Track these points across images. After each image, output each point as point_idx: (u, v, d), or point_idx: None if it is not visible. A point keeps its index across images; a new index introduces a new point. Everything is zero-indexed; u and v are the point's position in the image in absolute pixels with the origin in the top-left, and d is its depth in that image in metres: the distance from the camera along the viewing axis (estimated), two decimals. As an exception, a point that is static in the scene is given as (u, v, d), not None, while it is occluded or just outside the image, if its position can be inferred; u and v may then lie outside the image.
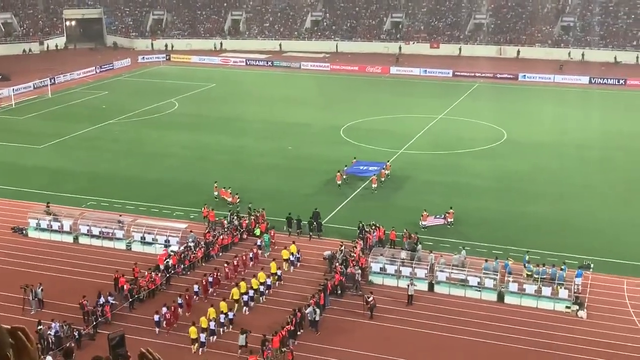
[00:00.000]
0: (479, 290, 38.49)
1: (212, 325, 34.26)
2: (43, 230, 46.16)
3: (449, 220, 46.89)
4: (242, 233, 45.05)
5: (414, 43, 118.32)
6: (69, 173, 58.33)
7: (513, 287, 38.15)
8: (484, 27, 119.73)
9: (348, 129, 71.01)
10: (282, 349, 32.40)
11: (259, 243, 43.32)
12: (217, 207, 48.40)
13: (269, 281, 38.66)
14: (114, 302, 36.51)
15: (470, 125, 73.13)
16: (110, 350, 6.55)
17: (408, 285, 37.89)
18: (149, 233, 44.55)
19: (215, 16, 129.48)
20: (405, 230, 43.93)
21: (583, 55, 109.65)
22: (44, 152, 64.10)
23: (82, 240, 45.32)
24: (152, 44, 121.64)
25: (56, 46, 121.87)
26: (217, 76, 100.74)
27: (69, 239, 45.49)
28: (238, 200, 50.11)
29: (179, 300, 36.50)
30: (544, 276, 38.55)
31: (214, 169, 58.31)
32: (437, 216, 47.07)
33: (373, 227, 44.23)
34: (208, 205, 47.77)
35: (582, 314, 36.36)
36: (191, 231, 44.24)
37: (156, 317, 34.86)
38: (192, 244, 42.46)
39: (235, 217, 46.02)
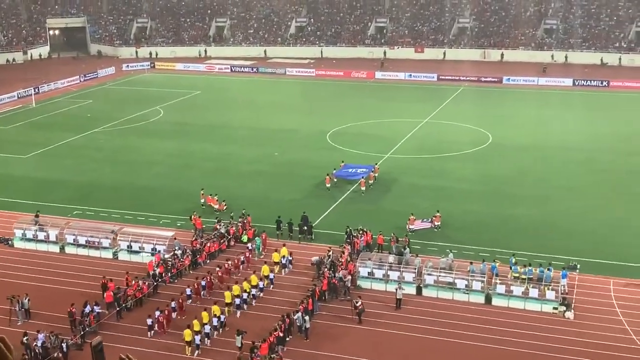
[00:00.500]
0: (467, 293, 38.60)
1: (207, 328, 34.50)
2: (29, 240, 45.89)
3: (436, 223, 47.02)
4: (229, 240, 44.98)
5: (398, 48, 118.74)
6: (55, 182, 58.04)
7: (500, 289, 38.29)
8: (468, 31, 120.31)
9: (334, 134, 71.09)
10: (271, 356, 32.35)
11: (250, 247, 43.50)
12: (204, 215, 48.32)
13: (261, 284, 38.96)
14: (100, 311, 36.31)
15: (455, 128, 73.42)
16: (94, 357, 6.58)
17: (396, 289, 37.94)
18: (135, 241, 44.35)
19: (200, 23, 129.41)
20: (392, 234, 44.01)
21: (566, 57, 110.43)
22: (29, 162, 63.75)
23: (69, 249, 45.08)
24: (136, 52, 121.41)
25: (40, 55, 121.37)
26: (202, 83, 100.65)
27: (55, 248, 45.24)
28: (225, 207, 50.05)
29: (173, 304, 36.70)
30: (531, 276, 38.75)
31: (200, 176, 58.19)
32: (424, 220, 47.19)
33: (360, 232, 44.28)
34: (197, 213, 47.70)
35: (570, 314, 36.53)
36: (175, 238, 44.14)
37: (149, 321, 35.09)
38: (179, 252, 42.32)
39: (223, 225, 45.88)
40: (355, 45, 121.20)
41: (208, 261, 42.73)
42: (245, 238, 45.13)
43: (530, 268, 39.37)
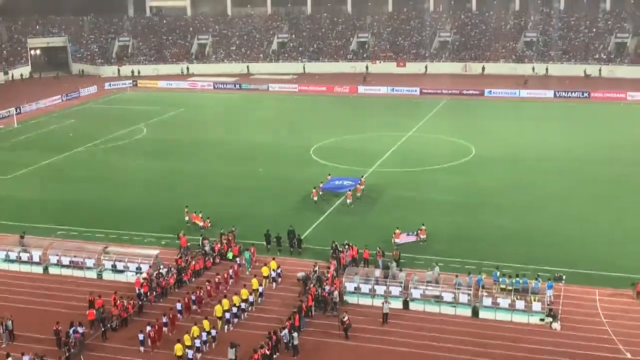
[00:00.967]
0: (454, 306, 38.57)
1: (197, 342, 34.54)
2: (12, 261, 45.42)
3: (422, 237, 47.05)
4: (214, 257, 44.78)
5: (380, 62, 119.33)
6: (38, 203, 57.57)
7: (487, 301, 38.29)
8: (449, 44, 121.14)
9: (318, 149, 71.16)
10: (259, 373, 32.15)
11: (239, 261, 43.72)
12: (189, 232, 48.11)
13: (251, 298, 39.11)
14: (84, 331, 35.92)
15: (439, 141, 73.70)
16: None
17: (383, 304, 37.87)
18: (119, 261, 44.03)
19: (182, 41, 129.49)
20: (378, 249, 43.99)
21: (547, 69, 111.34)
22: (11, 183, 63.25)
23: (52, 270, 44.65)
24: (118, 71, 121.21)
25: (21, 75, 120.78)
26: (185, 100, 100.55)
27: (39, 269, 44.79)
28: (209, 224, 49.87)
29: (164, 319, 36.67)
30: (517, 287, 38.83)
31: (184, 193, 57.97)
32: (410, 233, 47.20)
33: (346, 247, 44.22)
34: (183, 231, 47.53)
35: (556, 325, 36.58)
36: (156, 257, 43.88)
37: (141, 336, 35.07)
38: (163, 270, 42.05)
39: (208, 243, 45.69)
40: (337, 60, 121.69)
41: (193, 279, 42.48)
42: (230, 255, 44.98)
43: (517, 279, 39.46)
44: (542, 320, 37.07)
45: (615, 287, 40.44)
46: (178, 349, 33.66)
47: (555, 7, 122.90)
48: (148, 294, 40.02)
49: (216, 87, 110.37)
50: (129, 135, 79.36)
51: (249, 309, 38.78)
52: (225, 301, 37.69)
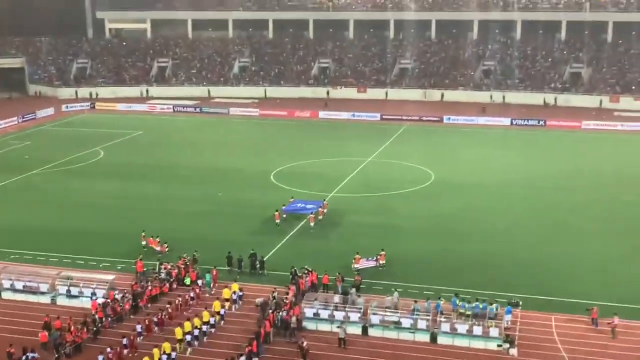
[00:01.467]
0: (413, 332, 38.55)
1: None
2: (-38, 286, 44.29)
3: (381, 262, 47.06)
4: (171, 283, 44.19)
5: (341, 88, 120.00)
6: (-10, 226, 56.36)
7: (445, 327, 38.36)
8: (409, 71, 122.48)
9: (278, 173, 71.03)
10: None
11: (200, 283, 43.69)
12: (146, 257, 47.45)
13: (212, 320, 39.00)
14: (36, 356, 35.03)
15: (399, 167, 74.17)
16: None
17: (338, 327, 37.78)
18: (74, 286, 43.18)
19: (141, 63, 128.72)
20: (338, 274, 43.87)
21: (504, 97, 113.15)
22: (-37, 205, 61.87)
23: (5, 295, 43.59)
24: (76, 93, 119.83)
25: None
26: (144, 123, 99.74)
27: (-10, 294, 43.75)
28: (167, 249, 49.27)
29: (124, 341, 36.33)
30: (477, 311, 39.01)
31: (142, 217, 57.23)
32: (369, 258, 47.17)
33: (305, 272, 44.02)
34: (141, 256, 46.93)
35: (513, 351, 36.75)
36: (108, 283, 43.18)
37: (100, 357, 34.78)
38: (118, 296, 41.34)
39: (163, 269, 45.12)
40: (298, 85, 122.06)
41: (149, 305, 41.81)
42: (188, 280, 44.48)
43: (477, 303, 39.69)
44: (499, 346, 37.22)
45: (571, 313, 40.85)
46: None
47: (512, 36, 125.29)
48: (103, 319, 39.29)
49: (176, 110, 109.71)
50: (86, 158, 78.31)
51: (210, 331, 38.64)
52: (186, 323, 37.56)
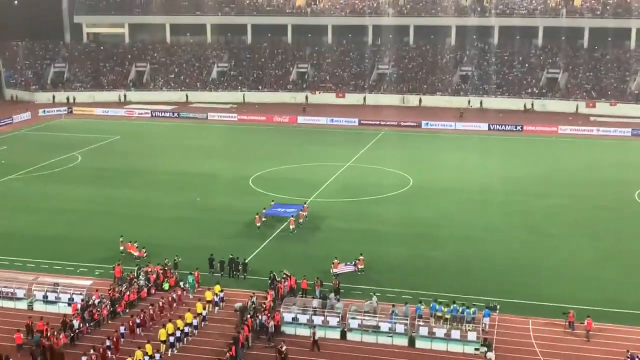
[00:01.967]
0: (391, 336, 38.70)
1: None
2: (-63, 292, 43.75)
3: (360, 267, 47.18)
4: (149, 288, 44.02)
5: (320, 93, 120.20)
6: (-35, 231, 55.77)
7: (423, 331, 38.55)
8: (387, 76, 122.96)
9: (257, 178, 70.99)
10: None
11: (183, 285, 43.94)
12: (125, 262, 47.23)
13: (195, 322, 39.36)
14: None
15: (377, 172, 74.42)
16: None
17: (311, 329, 38.22)
18: (52, 291, 42.86)
19: (119, 68, 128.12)
20: (317, 279, 43.94)
21: (481, 103, 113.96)
22: (-63, 211, 61.16)
23: (-19, 301, 43.22)
24: (53, 97, 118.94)
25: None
26: (122, 128, 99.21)
27: (-34, 300, 43.26)
28: (145, 254, 49.08)
29: (107, 343, 36.43)
30: (455, 314, 39.26)
31: (119, 223, 56.88)
32: (348, 263, 47.28)
33: (284, 277, 44.05)
34: (120, 261, 46.78)
35: (491, 355, 36.97)
36: (86, 289, 42.97)
37: (84, 359, 34.86)
38: (96, 301, 41.09)
39: (142, 274, 44.95)
40: (277, 90, 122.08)
41: (127, 310, 41.61)
42: (166, 286, 44.36)
43: (454, 306, 39.96)
44: (477, 349, 37.46)
45: (548, 317, 41.21)
46: None
47: (489, 42, 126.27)
48: (80, 325, 39.04)
49: (154, 115, 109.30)
50: (63, 163, 77.76)
51: (193, 332, 39.03)
52: (169, 325, 37.81)
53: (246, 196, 64.74)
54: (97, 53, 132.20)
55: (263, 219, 55.89)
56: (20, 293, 43.08)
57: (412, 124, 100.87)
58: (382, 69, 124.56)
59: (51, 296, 42.67)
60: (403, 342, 38.42)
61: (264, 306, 40.45)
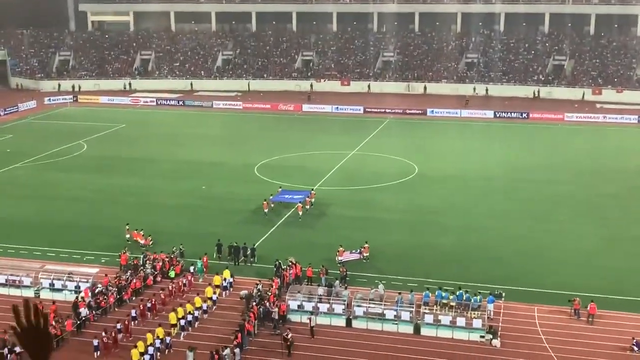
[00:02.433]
0: (396, 324, 38.80)
1: (151, 350, 35.06)
2: (-56, 281, 44.04)
3: (365, 254, 47.24)
4: (155, 276, 44.20)
5: (325, 80, 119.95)
6: (-28, 220, 55.99)
7: (429, 318, 38.64)
8: (392, 64, 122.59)
9: (262, 166, 71.02)
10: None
11: (192, 270, 44.27)
12: (131, 250, 47.42)
13: (205, 306, 40.07)
14: (20, 350, 34.92)
15: (382, 160, 74.35)
16: None
17: (309, 318, 38.31)
18: (58, 279, 43.08)
19: (124, 56, 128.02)
20: (322, 267, 44.04)
21: (487, 90, 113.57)
22: (-56, 199, 61.39)
23: (-12, 289, 43.49)
24: (58, 85, 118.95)
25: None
26: (127, 117, 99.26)
27: (-27, 288, 43.52)
28: (151, 242, 49.23)
29: (118, 326, 37.12)
30: (460, 301, 39.34)
31: (125, 211, 57.06)
32: (353, 251, 47.33)
33: (290, 265, 44.15)
34: (127, 249, 47.07)
35: (496, 342, 37.07)
36: (92, 277, 43.18)
37: (95, 342, 35.59)
38: (103, 289, 41.30)
39: (148, 262, 45.14)
40: (282, 78, 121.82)
41: (134, 298, 41.82)
42: (172, 274, 44.51)
43: (460, 292, 40.06)
44: (482, 337, 37.54)
45: (553, 304, 41.25)
46: (134, 354, 34.24)
47: (495, 29, 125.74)
48: (87, 312, 39.27)
49: (159, 103, 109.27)
50: (68, 152, 77.89)
51: (204, 316, 39.73)
52: (179, 309, 38.32)
53: (252, 184, 64.80)
54: (102, 41, 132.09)
55: (271, 206, 56.11)
56: (27, 281, 43.30)
57: (417, 111, 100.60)
58: (387, 56, 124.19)
59: (58, 284, 42.90)
60: (408, 329, 38.52)
61: (269, 294, 40.59)
